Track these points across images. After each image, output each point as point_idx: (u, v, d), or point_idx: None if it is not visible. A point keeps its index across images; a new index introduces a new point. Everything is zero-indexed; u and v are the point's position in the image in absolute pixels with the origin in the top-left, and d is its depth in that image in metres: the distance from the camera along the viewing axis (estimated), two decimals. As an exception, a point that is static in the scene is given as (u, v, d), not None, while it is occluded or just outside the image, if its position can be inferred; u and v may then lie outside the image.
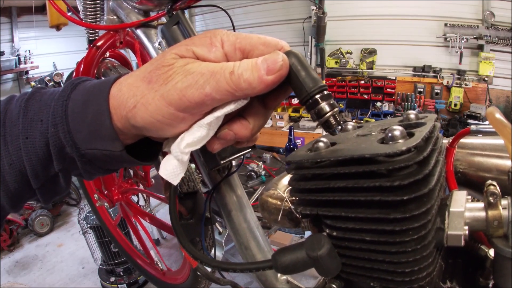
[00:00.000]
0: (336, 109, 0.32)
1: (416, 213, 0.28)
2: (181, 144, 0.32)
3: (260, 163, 2.58)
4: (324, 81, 3.37)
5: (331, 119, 0.32)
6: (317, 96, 0.31)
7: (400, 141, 0.29)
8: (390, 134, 0.29)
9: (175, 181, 0.34)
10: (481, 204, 0.32)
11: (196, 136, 0.32)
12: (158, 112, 0.30)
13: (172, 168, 0.33)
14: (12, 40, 4.09)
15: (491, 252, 0.36)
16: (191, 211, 0.75)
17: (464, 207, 0.32)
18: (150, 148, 0.38)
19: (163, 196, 1.21)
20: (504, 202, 0.31)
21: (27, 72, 4.20)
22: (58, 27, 1.15)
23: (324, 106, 0.31)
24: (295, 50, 0.32)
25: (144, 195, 1.44)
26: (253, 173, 2.46)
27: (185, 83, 0.29)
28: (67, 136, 0.32)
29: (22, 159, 0.32)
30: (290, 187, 0.37)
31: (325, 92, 0.31)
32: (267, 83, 0.29)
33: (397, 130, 0.29)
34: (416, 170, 0.28)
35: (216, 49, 0.31)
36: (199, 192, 0.86)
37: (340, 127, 0.33)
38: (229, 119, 0.34)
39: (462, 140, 0.45)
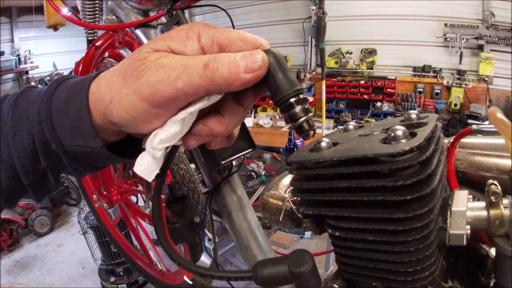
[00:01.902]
0: (310, 114, 0.31)
1: (419, 213, 0.28)
2: (154, 140, 0.32)
3: (260, 163, 2.58)
4: (324, 81, 3.38)
5: (304, 124, 0.31)
6: (292, 100, 0.31)
7: (402, 141, 0.29)
8: (392, 134, 0.29)
9: (149, 177, 0.33)
10: (482, 203, 0.33)
11: (169, 132, 0.31)
12: (132, 108, 0.29)
13: (146, 164, 0.33)
14: (12, 40, 4.10)
15: (492, 251, 0.36)
16: (179, 215, 0.74)
17: (466, 207, 0.32)
18: (135, 145, 0.38)
19: (162, 197, 1.21)
20: (505, 201, 0.31)
21: (27, 72, 4.21)
22: (55, 28, 1.15)
23: (299, 110, 0.31)
24: (274, 49, 0.31)
25: (144, 195, 1.44)
26: (253, 173, 2.47)
27: (156, 78, 0.28)
28: (51, 132, 0.32)
29: (12, 156, 0.32)
30: (292, 187, 0.37)
31: (301, 96, 0.31)
32: (243, 81, 0.28)
33: (400, 130, 0.29)
34: (419, 170, 0.28)
35: (192, 42, 0.30)
36: (188, 196, 0.85)
37: (312, 132, 0.32)
38: (203, 114, 0.33)
39: (462, 140, 0.45)
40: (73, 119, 0.32)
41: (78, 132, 0.32)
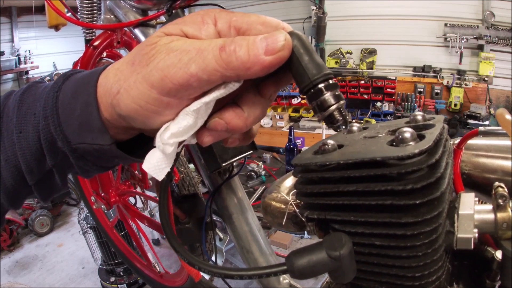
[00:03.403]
0: (342, 102, 0.28)
1: (428, 217, 0.27)
2: (164, 134, 0.28)
3: (260, 163, 2.58)
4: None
5: (336, 113, 0.28)
6: (321, 86, 0.27)
7: (411, 143, 0.28)
8: (400, 137, 0.28)
9: (159, 176, 0.30)
10: (489, 206, 0.32)
11: (182, 125, 0.28)
12: (140, 97, 0.27)
13: (156, 161, 0.30)
14: (12, 40, 4.09)
15: (498, 254, 0.36)
16: (189, 215, 0.72)
17: (473, 210, 0.32)
18: (147, 145, 0.35)
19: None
20: (512, 204, 0.30)
21: (27, 72, 4.20)
22: (57, 27, 1.15)
23: (329, 97, 0.27)
24: (298, 32, 0.28)
25: (142, 197, 1.43)
26: (253, 173, 2.46)
27: (167, 62, 0.26)
28: (57, 129, 0.30)
29: (17, 154, 0.31)
30: (294, 190, 0.37)
31: (331, 81, 0.27)
32: (264, 65, 0.25)
33: (408, 132, 0.28)
34: (428, 173, 0.28)
35: (207, 26, 0.28)
36: (198, 194, 0.84)
37: (345, 122, 0.29)
38: (220, 107, 0.30)
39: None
40: (81, 114, 0.30)
41: (85, 128, 0.30)
